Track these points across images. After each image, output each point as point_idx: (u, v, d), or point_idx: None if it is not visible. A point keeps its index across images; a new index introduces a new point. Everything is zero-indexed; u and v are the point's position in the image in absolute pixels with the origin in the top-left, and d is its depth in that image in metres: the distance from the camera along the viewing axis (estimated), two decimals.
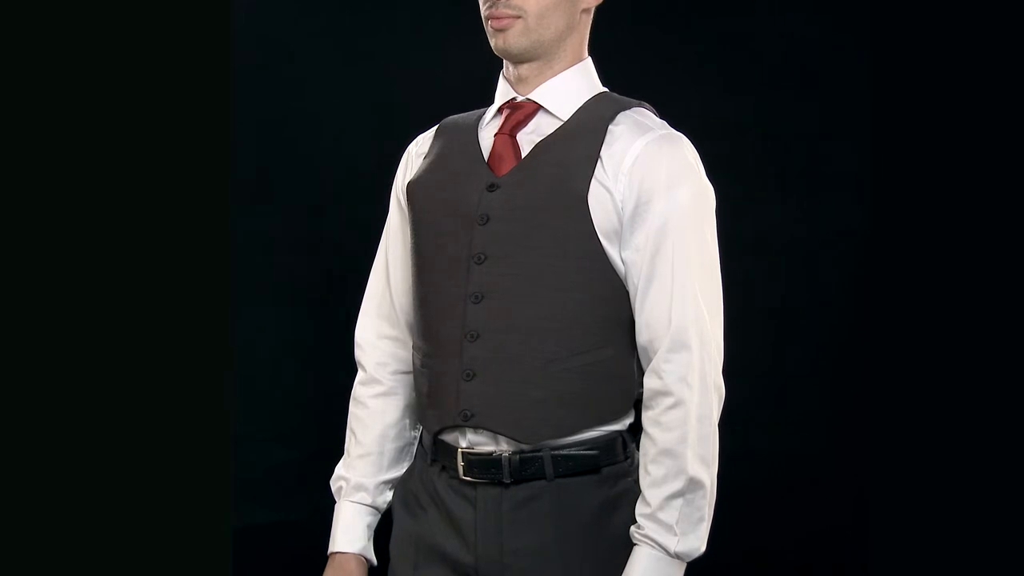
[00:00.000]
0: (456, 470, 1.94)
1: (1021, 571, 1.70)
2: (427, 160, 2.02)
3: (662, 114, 2.00)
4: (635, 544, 1.87)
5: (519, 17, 1.91)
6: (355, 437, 2.07)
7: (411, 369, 2.06)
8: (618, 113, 1.96)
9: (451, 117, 2.07)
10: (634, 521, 1.89)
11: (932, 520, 1.72)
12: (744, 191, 3.19)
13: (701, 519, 1.87)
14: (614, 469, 1.94)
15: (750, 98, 3.32)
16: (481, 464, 1.92)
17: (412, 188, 2.00)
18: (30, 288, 1.66)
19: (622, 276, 1.91)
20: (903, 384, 1.76)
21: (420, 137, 2.09)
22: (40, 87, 1.68)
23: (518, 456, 1.91)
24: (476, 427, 1.91)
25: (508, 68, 1.99)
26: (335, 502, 2.08)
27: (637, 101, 2.00)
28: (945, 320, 1.74)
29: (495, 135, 1.97)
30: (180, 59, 1.72)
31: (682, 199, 1.89)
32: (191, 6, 1.74)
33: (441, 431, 1.95)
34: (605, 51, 2.10)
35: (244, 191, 3.10)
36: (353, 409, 2.09)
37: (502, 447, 1.92)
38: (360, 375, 2.09)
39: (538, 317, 1.89)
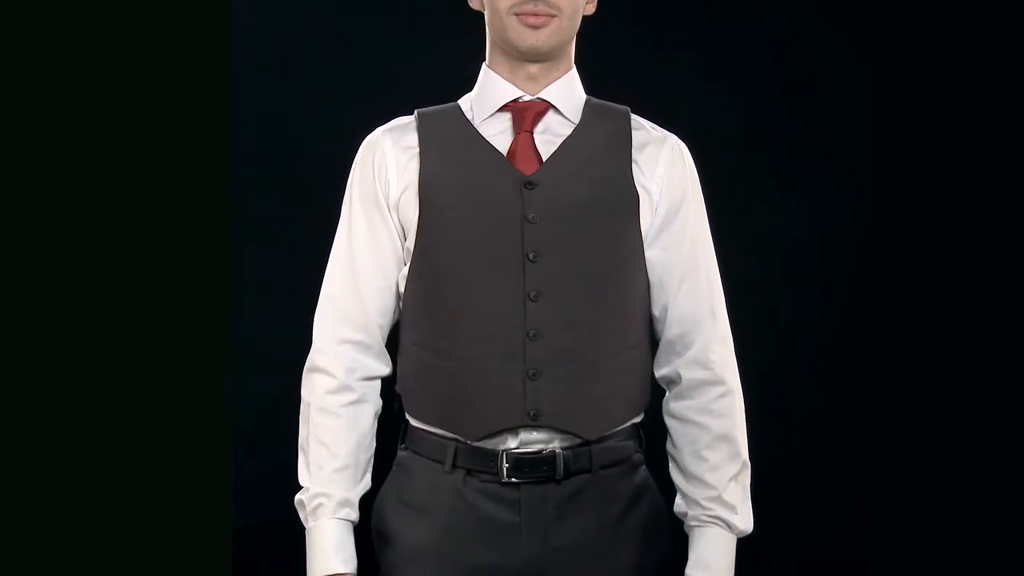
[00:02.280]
0: (499, 473, 1.93)
1: (1021, 571, 1.70)
2: (426, 155, 1.98)
3: (665, 114, 2.06)
4: (698, 526, 1.99)
5: (555, 16, 1.94)
6: (328, 449, 1.99)
7: (377, 375, 2.03)
8: (627, 117, 2.03)
9: (425, 111, 2.04)
10: (659, 506, 2.01)
11: (932, 520, 1.72)
12: (744, 191, 3.19)
13: (748, 497, 2.01)
14: (639, 458, 2.02)
15: (750, 98, 3.31)
16: (533, 463, 1.93)
17: (428, 183, 1.96)
18: (29, 286, 1.66)
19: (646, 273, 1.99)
20: (903, 384, 1.76)
21: (390, 129, 2.04)
22: (40, 86, 1.68)
23: (570, 451, 1.93)
24: (543, 426, 1.92)
25: (510, 66, 1.99)
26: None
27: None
28: (945, 320, 1.74)
29: (519, 132, 1.98)
30: (180, 58, 1.72)
31: (700, 202, 2.04)
32: (191, 6, 1.73)
33: (484, 435, 1.93)
34: (605, 51, 2.10)
35: (244, 191, 3.09)
36: (321, 420, 2.00)
37: (554, 444, 1.93)
38: (327, 383, 2.00)
39: (594, 315, 1.93)
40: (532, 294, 1.91)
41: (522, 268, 1.91)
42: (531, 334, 1.91)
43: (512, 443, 1.93)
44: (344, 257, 2.02)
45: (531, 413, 1.91)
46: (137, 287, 1.69)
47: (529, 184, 1.93)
